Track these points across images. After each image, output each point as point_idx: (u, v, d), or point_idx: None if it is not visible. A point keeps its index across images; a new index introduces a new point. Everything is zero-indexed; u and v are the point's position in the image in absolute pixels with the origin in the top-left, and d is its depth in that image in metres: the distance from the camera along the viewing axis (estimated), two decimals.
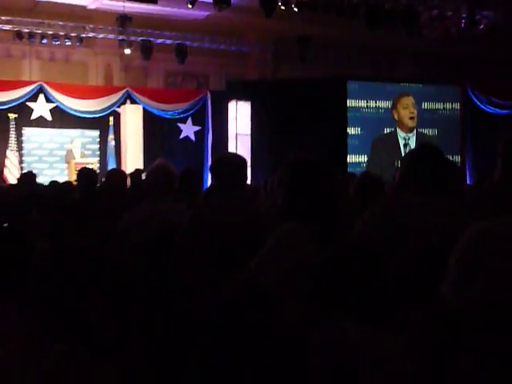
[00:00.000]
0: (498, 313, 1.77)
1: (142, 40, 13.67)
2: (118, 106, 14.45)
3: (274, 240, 2.78)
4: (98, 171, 11.29)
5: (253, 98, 14.21)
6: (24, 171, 12.46)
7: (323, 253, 2.62)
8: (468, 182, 13.42)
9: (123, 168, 13.09)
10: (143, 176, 6.77)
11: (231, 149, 14.47)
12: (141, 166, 12.42)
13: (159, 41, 13.89)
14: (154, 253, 4.02)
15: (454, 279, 1.87)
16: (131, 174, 6.99)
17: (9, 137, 13.49)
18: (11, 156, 13.40)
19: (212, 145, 15.35)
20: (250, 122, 14.44)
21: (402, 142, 14.69)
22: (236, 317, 2.86)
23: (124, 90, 14.47)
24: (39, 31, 13.17)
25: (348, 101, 14.36)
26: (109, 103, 14.36)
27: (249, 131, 14.45)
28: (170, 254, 3.85)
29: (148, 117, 14.51)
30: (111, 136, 14.31)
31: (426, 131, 14.94)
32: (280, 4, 11.17)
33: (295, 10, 11.48)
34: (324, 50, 14.11)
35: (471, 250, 1.89)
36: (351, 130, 14.33)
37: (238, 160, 3.83)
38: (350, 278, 2.45)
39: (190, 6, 11.51)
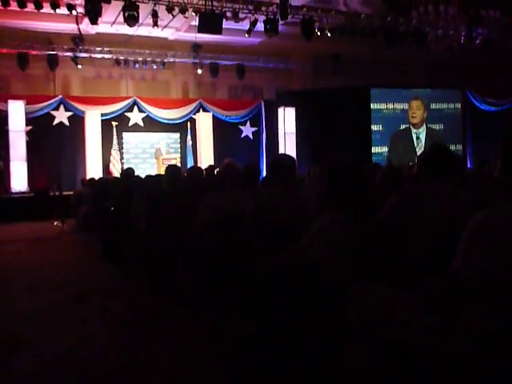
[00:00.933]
0: (494, 279, 1.87)
1: (210, 62, 14.28)
2: (194, 114, 15.03)
3: (321, 223, 2.85)
4: (179, 165, 11.83)
5: (297, 105, 14.47)
6: (124, 166, 13.27)
7: (359, 232, 2.73)
8: (468, 165, 13.69)
9: (198, 162, 13.99)
10: (215, 171, 7.03)
11: (280, 144, 14.80)
12: (212, 161, 13.23)
13: (223, 62, 14.34)
14: (226, 228, 4.17)
15: (462, 256, 1.96)
16: (206, 169, 7.00)
17: (112, 139, 14.25)
18: (115, 154, 14.19)
19: (266, 141, 15.63)
20: (295, 123, 14.66)
21: (414, 136, 15.10)
22: (289, 277, 2.90)
23: (197, 102, 15.07)
24: (132, 58, 13.87)
25: (371, 104, 14.72)
26: (186, 112, 14.98)
27: (294, 130, 14.65)
28: (239, 229, 3.91)
29: (216, 121, 15.06)
30: (189, 137, 14.97)
31: (434, 126, 15.18)
32: (317, 30, 11.46)
33: (328, 34, 11.74)
34: (352, 64, 14.11)
35: (475, 235, 1.97)
36: (374, 127, 14.71)
37: (289, 159, 3.97)
38: (381, 252, 2.66)
39: (246, 35, 11.90)
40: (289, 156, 4.18)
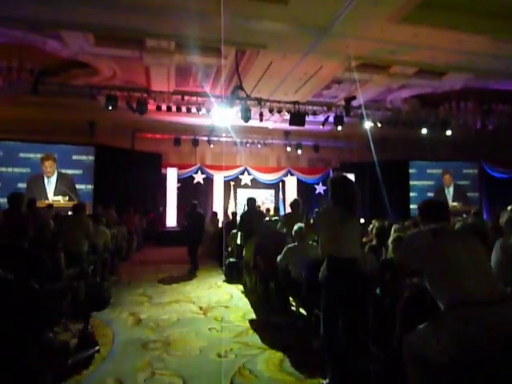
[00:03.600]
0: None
1: (295, 143, 14.58)
2: (284, 177, 15.35)
3: None
4: (272, 211, 11.55)
5: (356, 172, 13.77)
6: (237, 211, 13.26)
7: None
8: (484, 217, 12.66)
9: (286, 209, 13.95)
10: None
11: None
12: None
13: (305, 142, 14.58)
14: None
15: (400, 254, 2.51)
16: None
17: (230, 193, 14.94)
18: (231, 203, 14.85)
19: None
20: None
21: (446, 191, 14.63)
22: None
23: (286, 169, 15.41)
24: (245, 140, 14.44)
25: (410, 172, 14.55)
26: (279, 176, 15.33)
27: None
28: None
29: (299, 182, 15.36)
30: (280, 193, 15.27)
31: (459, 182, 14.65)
32: (371, 121, 11.33)
33: (378, 124, 11.66)
34: (394, 143, 13.78)
35: (406, 242, 2.51)
36: (411, 194, 14.28)
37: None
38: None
39: (321, 127, 12.03)
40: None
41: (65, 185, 12.04)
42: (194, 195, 14.38)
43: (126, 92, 9.58)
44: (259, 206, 11.04)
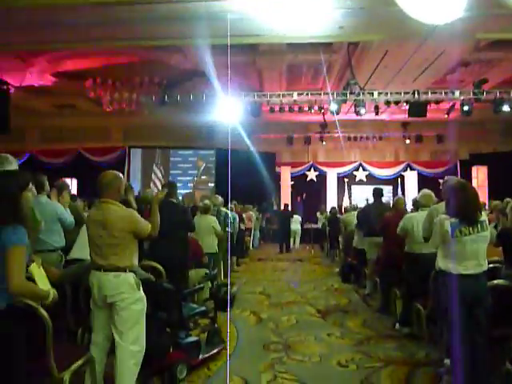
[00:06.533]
0: None
1: (415, 134, 13.67)
2: (403, 172, 14.62)
3: None
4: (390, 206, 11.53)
5: (489, 164, 13.07)
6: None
7: None
8: None
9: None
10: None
11: None
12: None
13: (426, 133, 13.57)
14: None
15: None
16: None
17: (344, 190, 14.71)
18: (346, 200, 14.24)
19: None
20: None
21: None
22: None
23: (405, 163, 14.64)
24: (359, 135, 14.04)
25: None
26: (397, 170, 14.66)
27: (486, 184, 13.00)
28: None
29: (420, 177, 14.44)
30: (399, 189, 14.45)
31: None
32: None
33: None
34: None
35: None
36: None
37: None
38: None
39: (446, 116, 11.07)
40: None
41: None
42: (308, 192, 14.48)
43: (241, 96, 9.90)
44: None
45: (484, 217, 2.89)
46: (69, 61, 8.80)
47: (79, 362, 2.37)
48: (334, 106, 9.83)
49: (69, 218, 3.87)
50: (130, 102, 10.02)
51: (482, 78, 9.15)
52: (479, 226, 2.83)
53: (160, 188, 12.55)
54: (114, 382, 2.62)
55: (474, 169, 13.32)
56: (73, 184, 11.97)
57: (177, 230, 4.13)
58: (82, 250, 3.32)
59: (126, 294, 2.60)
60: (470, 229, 2.80)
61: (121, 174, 2.85)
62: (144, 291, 2.71)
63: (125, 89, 9.90)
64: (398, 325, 4.43)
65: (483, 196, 12.75)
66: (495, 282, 3.00)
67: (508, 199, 4.71)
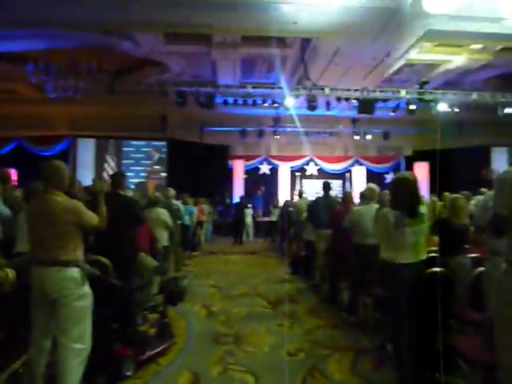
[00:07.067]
0: None
1: (363, 131, 13.97)
2: (351, 167, 15.04)
3: None
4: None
5: (430, 161, 13.45)
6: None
7: None
8: None
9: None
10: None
11: None
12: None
13: (374, 130, 13.89)
14: None
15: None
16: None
17: (295, 184, 14.94)
18: (296, 193, 13.87)
19: None
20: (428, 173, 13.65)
21: None
22: None
23: (354, 158, 15.02)
24: (310, 130, 13.90)
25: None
26: (346, 165, 15.02)
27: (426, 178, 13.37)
28: None
29: (368, 172, 14.89)
30: (347, 183, 14.90)
31: None
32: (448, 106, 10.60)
33: (456, 110, 10.66)
34: (473, 128, 12.66)
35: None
36: None
37: None
38: None
39: (392, 114, 11.36)
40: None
41: None
42: (260, 186, 14.50)
43: (194, 87, 9.74)
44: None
45: (423, 209, 3.01)
46: (8, 42, 8.17)
47: (15, 365, 2.20)
48: (289, 101, 9.93)
49: (4, 209, 3.61)
50: (75, 89, 9.50)
51: (424, 80, 9.62)
52: (419, 218, 2.94)
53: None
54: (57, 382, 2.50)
55: (416, 165, 13.90)
56: (12, 175, 11.12)
57: (122, 222, 3.95)
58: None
59: (70, 290, 2.50)
60: (412, 221, 2.91)
61: (64, 164, 2.69)
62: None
63: (70, 75, 9.37)
64: (345, 313, 4.59)
65: (424, 190, 13.42)
66: (433, 269, 3.14)
67: (447, 193, 4.95)
